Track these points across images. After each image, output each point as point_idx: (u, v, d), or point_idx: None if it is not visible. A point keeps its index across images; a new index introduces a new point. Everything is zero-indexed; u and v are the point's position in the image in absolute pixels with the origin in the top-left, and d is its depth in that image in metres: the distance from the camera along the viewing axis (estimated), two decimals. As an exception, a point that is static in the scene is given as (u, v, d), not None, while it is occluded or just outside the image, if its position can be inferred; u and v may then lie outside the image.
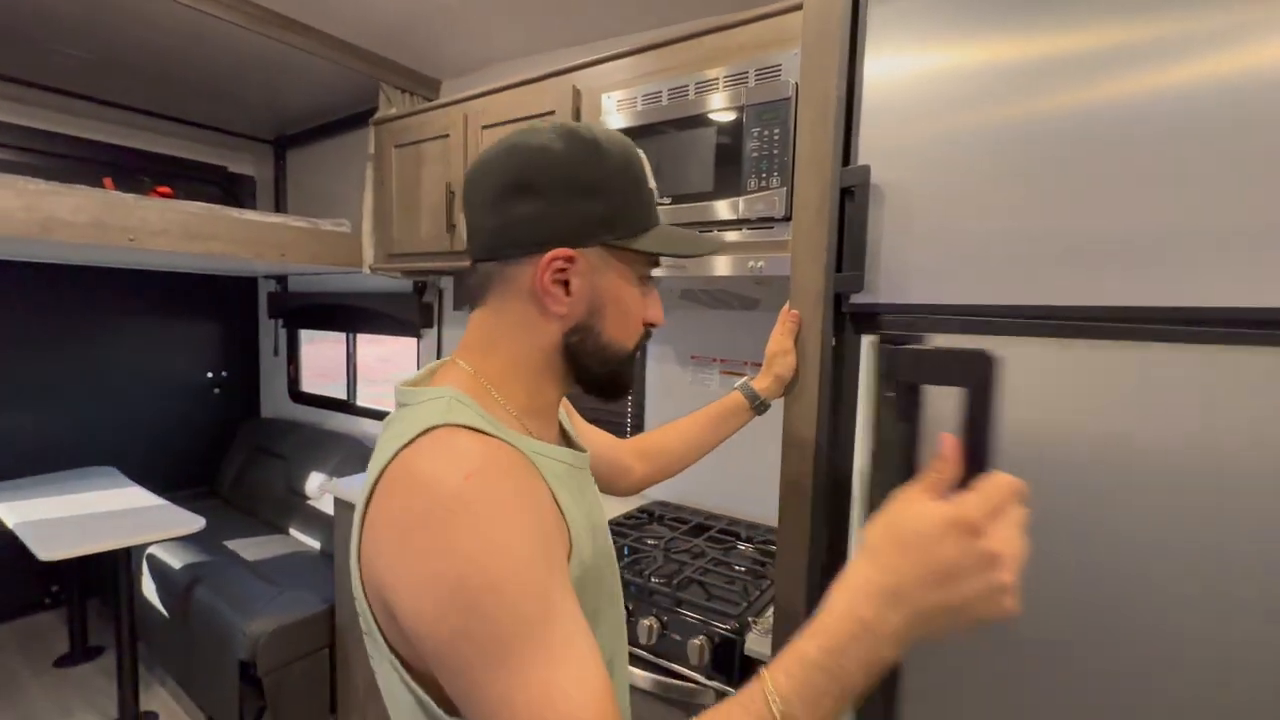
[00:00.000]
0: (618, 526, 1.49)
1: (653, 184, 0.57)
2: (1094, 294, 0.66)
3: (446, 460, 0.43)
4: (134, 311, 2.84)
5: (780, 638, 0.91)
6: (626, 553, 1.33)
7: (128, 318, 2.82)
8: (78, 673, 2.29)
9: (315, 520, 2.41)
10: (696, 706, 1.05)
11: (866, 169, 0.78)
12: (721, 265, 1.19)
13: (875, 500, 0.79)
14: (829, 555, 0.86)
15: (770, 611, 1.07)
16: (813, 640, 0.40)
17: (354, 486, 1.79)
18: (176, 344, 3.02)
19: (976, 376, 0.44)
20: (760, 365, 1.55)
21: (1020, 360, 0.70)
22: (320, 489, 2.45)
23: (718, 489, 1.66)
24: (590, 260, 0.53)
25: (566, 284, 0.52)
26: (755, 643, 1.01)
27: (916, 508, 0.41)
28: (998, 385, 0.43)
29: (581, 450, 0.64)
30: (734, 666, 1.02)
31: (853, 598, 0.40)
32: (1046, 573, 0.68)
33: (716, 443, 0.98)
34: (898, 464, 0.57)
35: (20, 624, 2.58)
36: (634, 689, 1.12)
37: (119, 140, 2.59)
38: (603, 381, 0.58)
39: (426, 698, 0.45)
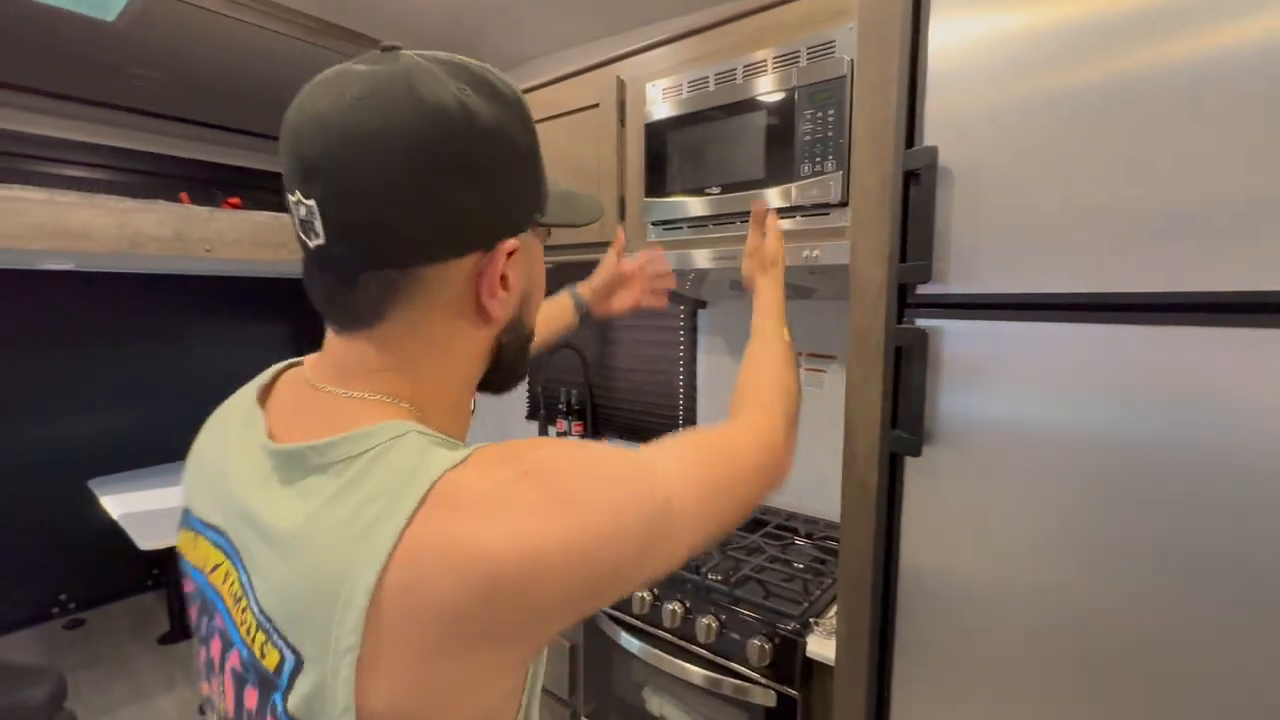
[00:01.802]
0: (672, 521, 1.48)
1: None
2: (1198, 278, 0.59)
3: (487, 492, 0.35)
4: (215, 314, 3.03)
5: (845, 643, 0.88)
6: (682, 548, 1.32)
7: (210, 320, 3.02)
8: (179, 649, 2.50)
9: (382, 510, 2.53)
10: (755, 707, 1.03)
11: (934, 150, 0.73)
12: (774, 255, 1.15)
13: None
14: (889, 552, 0.82)
15: (833, 612, 1.04)
16: (769, 311, 0.82)
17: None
18: (255, 343, 3.22)
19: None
20: (818, 356, 1.51)
21: (1114, 353, 0.64)
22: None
23: (774, 482, 1.62)
24: (524, 243, 0.42)
25: (504, 276, 0.41)
26: (818, 645, 0.98)
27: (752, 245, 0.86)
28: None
29: None
30: (795, 669, 0.99)
31: (772, 289, 0.84)
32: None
33: (542, 345, 0.88)
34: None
35: (129, 603, 2.83)
36: (692, 686, 1.11)
37: (193, 155, 2.75)
38: (507, 375, 0.48)
39: None
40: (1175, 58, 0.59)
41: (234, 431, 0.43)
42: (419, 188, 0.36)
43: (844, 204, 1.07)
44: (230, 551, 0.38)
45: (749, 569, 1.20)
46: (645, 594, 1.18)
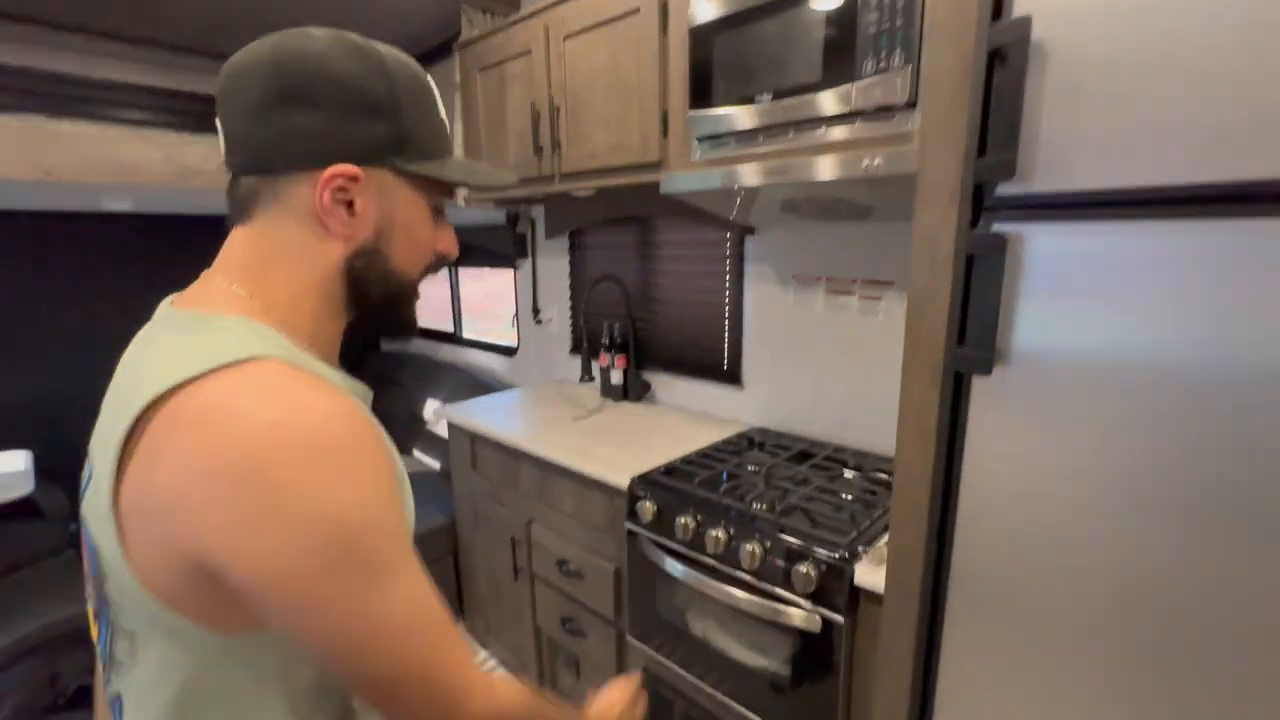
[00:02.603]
0: (715, 452, 1.46)
1: (443, 114, 0.56)
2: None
3: (288, 399, 0.40)
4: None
5: (896, 571, 0.85)
6: (724, 479, 1.30)
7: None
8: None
9: (434, 442, 2.61)
10: (799, 632, 1.03)
11: (1026, 22, 0.63)
12: (827, 167, 1.05)
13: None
14: (949, 479, 0.77)
15: (883, 541, 1.01)
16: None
17: (465, 412, 1.89)
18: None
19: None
20: (873, 283, 1.42)
21: (1241, 259, 0.55)
22: (435, 414, 2.64)
23: (822, 415, 1.57)
24: (379, 182, 0.50)
25: (350, 204, 0.49)
26: (867, 573, 0.95)
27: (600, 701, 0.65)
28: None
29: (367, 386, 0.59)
30: (841, 596, 0.97)
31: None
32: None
33: None
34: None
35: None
36: (736, 610, 1.12)
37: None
38: (384, 312, 0.56)
39: (198, 629, 0.42)
40: None
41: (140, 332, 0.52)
42: (268, 109, 0.46)
43: (911, 104, 0.96)
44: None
45: (795, 498, 1.17)
46: (689, 520, 1.18)
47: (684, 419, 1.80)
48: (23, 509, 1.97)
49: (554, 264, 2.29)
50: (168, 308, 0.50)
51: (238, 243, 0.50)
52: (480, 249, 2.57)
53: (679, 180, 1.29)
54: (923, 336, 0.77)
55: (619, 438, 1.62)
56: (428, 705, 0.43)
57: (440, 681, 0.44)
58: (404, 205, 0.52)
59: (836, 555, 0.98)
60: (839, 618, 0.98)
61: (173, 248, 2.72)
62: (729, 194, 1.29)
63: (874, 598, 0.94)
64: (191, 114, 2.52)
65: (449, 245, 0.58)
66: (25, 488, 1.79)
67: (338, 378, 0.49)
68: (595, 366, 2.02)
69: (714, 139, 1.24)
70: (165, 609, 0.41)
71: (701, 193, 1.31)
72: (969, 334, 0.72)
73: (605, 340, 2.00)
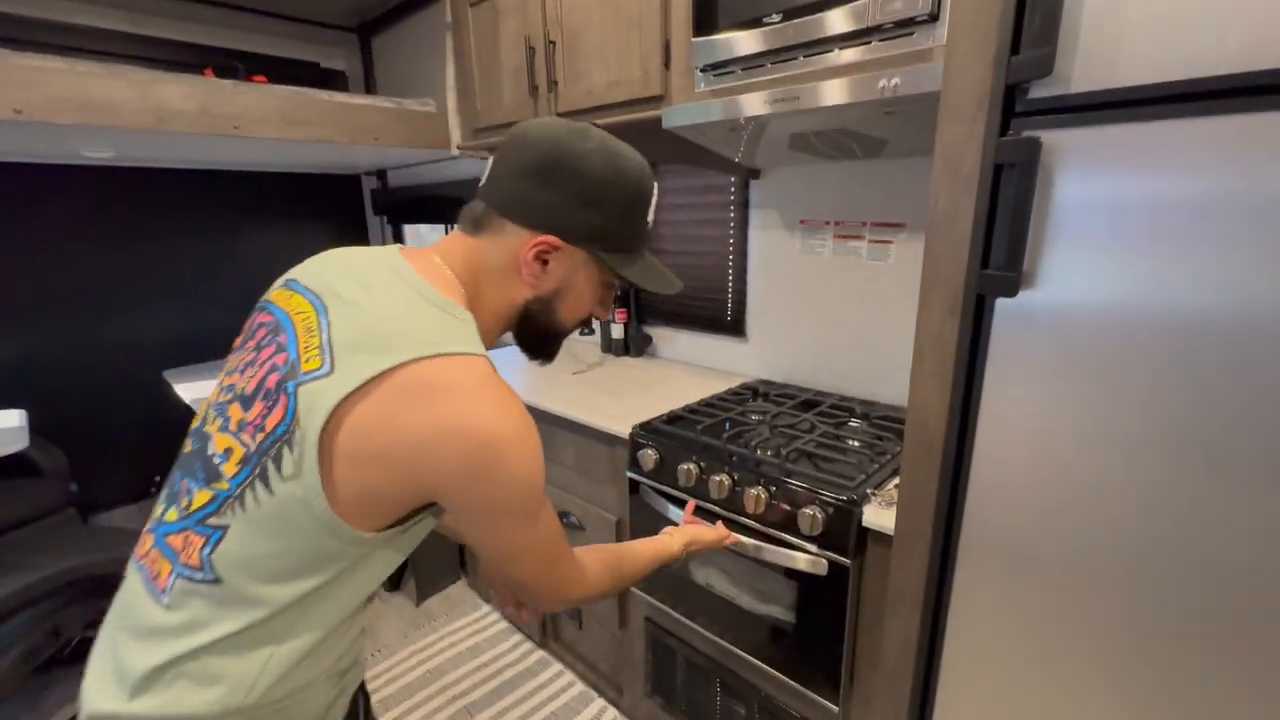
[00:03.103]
0: (719, 402, 1.43)
1: (651, 217, 0.68)
2: None
3: (505, 396, 0.54)
4: (252, 214, 3.01)
5: (907, 511, 0.82)
6: (728, 427, 1.27)
7: (247, 221, 3.00)
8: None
9: (433, 402, 2.58)
10: (805, 576, 1.01)
11: (1072, -108, 0.56)
12: (840, 91, 0.98)
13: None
14: (965, 416, 0.74)
15: (893, 484, 0.98)
16: (686, 540, 0.90)
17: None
18: (296, 244, 3.23)
19: None
20: (884, 225, 1.36)
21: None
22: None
23: (828, 366, 1.53)
24: (574, 256, 0.64)
25: (545, 262, 0.63)
26: (875, 515, 0.92)
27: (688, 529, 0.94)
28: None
29: None
30: (849, 538, 0.95)
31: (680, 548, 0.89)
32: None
33: None
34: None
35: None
36: (740, 556, 1.10)
37: (218, 42, 2.63)
38: (535, 346, 0.71)
39: (345, 525, 0.52)
40: None
41: (365, 255, 0.63)
42: (526, 174, 0.61)
43: (933, 18, 0.89)
44: (318, 306, 0.56)
45: (802, 444, 1.14)
46: (692, 467, 1.15)
47: (686, 372, 1.76)
48: (22, 468, 1.96)
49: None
50: (404, 261, 0.60)
51: (461, 246, 0.64)
52: (476, 203, 2.49)
53: (681, 113, 1.22)
54: (942, 260, 0.72)
55: (619, 390, 1.59)
56: (551, 587, 0.66)
57: (559, 572, 0.66)
58: (585, 277, 0.66)
59: (844, 498, 0.95)
60: (846, 560, 0.96)
61: (161, 204, 2.65)
62: (735, 129, 1.22)
63: (882, 540, 0.91)
64: (168, 62, 2.42)
65: (603, 313, 0.72)
66: (18, 444, 1.77)
67: None
68: (594, 321, 1.97)
69: (718, 68, 1.17)
70: (324, 490, 0.50)
71: (706, 128, 1.24)
72: (993, 255, 0.67)
73: (605, 293, 1.95)
